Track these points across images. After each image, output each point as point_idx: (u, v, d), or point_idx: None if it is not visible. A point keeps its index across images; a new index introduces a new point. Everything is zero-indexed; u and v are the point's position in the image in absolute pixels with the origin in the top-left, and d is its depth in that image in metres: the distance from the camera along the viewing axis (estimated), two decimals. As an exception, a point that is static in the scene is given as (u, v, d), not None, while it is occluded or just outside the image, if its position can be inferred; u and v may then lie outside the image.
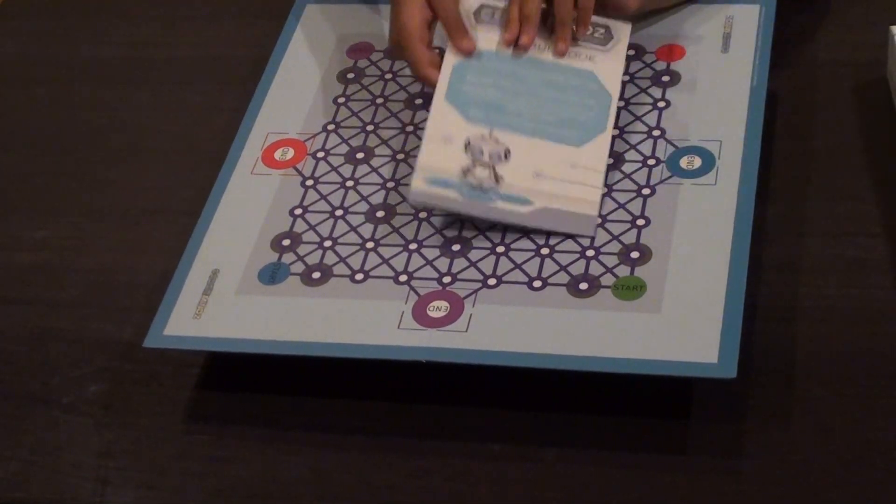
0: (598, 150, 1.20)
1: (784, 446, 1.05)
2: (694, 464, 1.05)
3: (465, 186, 1.18)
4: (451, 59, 1.25)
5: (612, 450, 1.07)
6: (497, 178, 1.18)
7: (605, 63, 1.26)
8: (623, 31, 1.28)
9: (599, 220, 1.16)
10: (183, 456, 1.12)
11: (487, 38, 1.26)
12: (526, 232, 1.18)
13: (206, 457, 1.12)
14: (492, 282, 1.15)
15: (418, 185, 1.18)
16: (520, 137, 1.21)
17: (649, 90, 1.29)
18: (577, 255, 1.16)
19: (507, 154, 1.19)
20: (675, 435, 1.07)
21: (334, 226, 1.22)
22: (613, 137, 1.24)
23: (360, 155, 1.29)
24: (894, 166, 1.24)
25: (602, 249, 1.16)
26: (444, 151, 1.20)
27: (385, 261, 1.18)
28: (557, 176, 1.19)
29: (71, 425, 1.16)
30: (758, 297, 1.14)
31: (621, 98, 1.28)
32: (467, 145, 1.20)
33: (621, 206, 1.19)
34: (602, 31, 1.27)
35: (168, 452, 1.13)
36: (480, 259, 1.17)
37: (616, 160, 1.23)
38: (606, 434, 1.08)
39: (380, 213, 1.22)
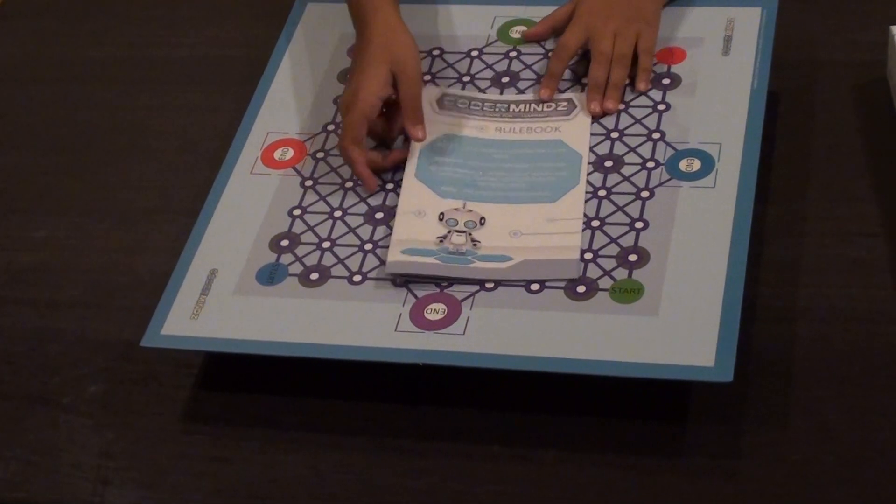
0: (573, 202, 1.20)
1: (783, 446, 1.05)
2: (692, 465, 1.05)
3: (442, 252, 1.17)
4: (417, 143, 1.25)
5: (610, 451, 1.07)
6: (474, 243, 1.18)
7: (570, 129, 1.26)
8: (585, 100, 1.28)
9: (581, 260, 1.15)
10: (183, 456, 1.12)
11: (452, 124, 1.27)
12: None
13: (206, 457, 1.12)
14: (489, 284, 1.15)
15: (395, 257, 1.17)
16: (494, 206, 1.21)
17: (649, 93, 1.28)
18: (576, 257, 1.16)
19: (482, 221, 1.19)
20: (673, 436, 1.07)
21: (333, 227, 1.22)
22: (613, 140, 1.25)
23: (359, 155, 1.28)
24: (894, 166, 1.23)
25: (600, 252, 1.15)
26: (418, 224, 1.19)
27: (383, 263, 1.18)
28: (535, 231, 1.18)
29: (71, 425, 1.16)
30: (757, 298, 1.14)
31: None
32: (441, 217, 1.20)
33: (620, 208, 1.19)
34: (565, 103, 1.28)
35: (168, 452, 1.13)
36: (479, 261, 1.18)
37: (615, 163, 1.23)
38: (605, 435, 1.08)
39: (378, 215, 1.22)
